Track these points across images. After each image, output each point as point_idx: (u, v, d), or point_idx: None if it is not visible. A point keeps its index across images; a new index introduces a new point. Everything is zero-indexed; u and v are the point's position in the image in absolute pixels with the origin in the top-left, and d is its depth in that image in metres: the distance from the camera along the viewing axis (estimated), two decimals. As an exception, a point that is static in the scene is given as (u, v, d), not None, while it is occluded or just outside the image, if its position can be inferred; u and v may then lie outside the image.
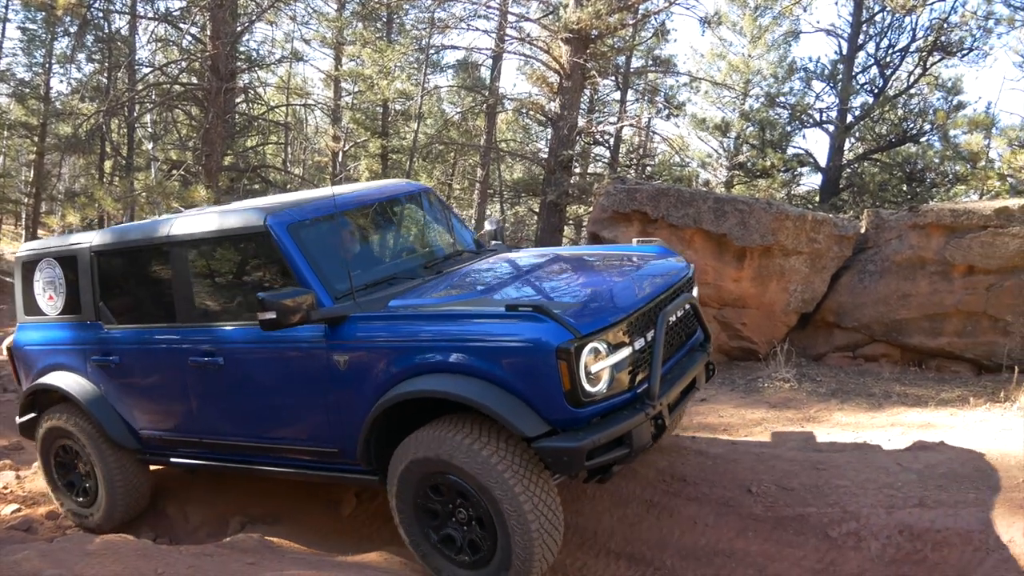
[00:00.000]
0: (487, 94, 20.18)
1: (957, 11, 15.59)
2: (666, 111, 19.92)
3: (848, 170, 17.62)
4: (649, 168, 22.73)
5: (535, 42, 17.37)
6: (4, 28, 23.34)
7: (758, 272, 8.76)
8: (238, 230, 4.35)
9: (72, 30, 20.40)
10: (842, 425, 6.27)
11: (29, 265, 5.42)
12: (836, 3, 28.74)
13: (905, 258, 8.39)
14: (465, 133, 22.30)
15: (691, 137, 21.27)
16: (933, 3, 15.53)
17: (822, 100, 17.96)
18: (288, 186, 19.76)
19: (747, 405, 7.18)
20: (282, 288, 4.01)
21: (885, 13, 16.13)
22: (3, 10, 22.41)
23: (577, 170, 19.25)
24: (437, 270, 4.60)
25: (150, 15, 17.51)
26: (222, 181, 16.04)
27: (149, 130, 20.45)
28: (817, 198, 17.73)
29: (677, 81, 21.64)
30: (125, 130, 20.48)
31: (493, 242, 5.54)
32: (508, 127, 25.54)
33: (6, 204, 28.45)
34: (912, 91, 16.71)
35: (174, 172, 16.20)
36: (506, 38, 18.14)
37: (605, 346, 3.47)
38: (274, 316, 3.67)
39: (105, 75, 20.98)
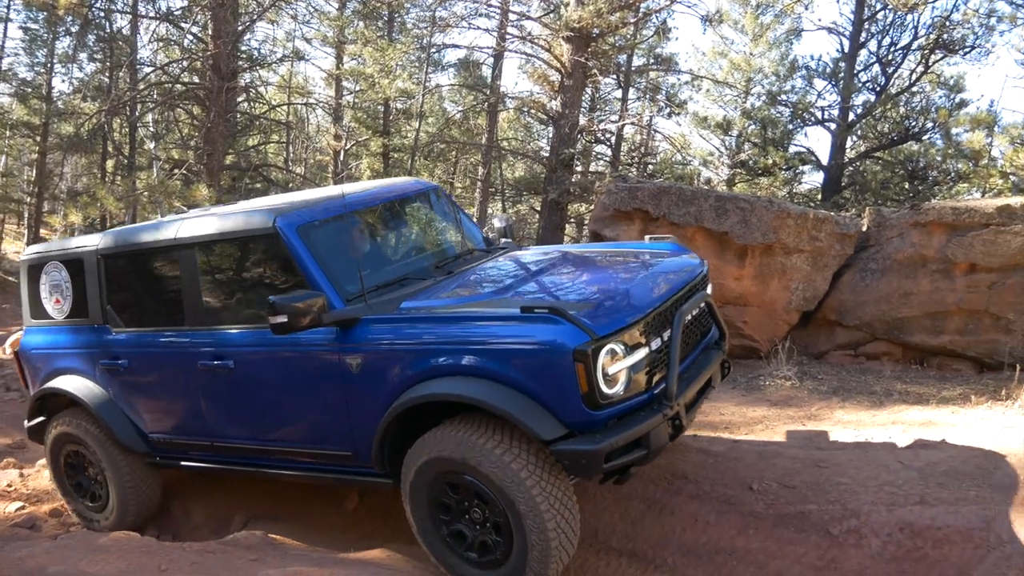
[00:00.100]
0: (488, 92, 20.18)
1: (959, 9, 15.60)
2: (667, 109, 19.93)
3: (850, 168, 17.61)
4: (651, 166, 22.74)
5: (536, 40, 17.36)
6: (6, 28, 23.40)
7: (759, 270, 8.76)
8: (247, 232, 4.29)
9: (74, 30, 20.42)
10: (843, 423, 6.27)
11: (35, 269, 5.38)
12: (838, 1, 28.74)
13: (907, 256, 8.39)
14: (467, 132, 22.31)
15: (693, 135, 21.27)
16: (935, 1, 15.55)
17: (824, 98, 17.98)
18: (290, 185, 19.78)
19: (748, 403, 7.18)
20: (292, 290, 3.97)
21: (887, 11, 16.13)
22: (5, 10, 22.43)
23: (579, 168, 19.26)
24: (448, 270, 4.54)
25: (151, 14, 17.52)
26: (224, 180, 16.06)
27: (151, 129, 20.49)
28: (819, 196, 17.73)
29: (679, 79, 21.64)
30: (127, 129, 20.53)
31: (503, 240, 5.48)
32: (509, 125, 25.54)
33: (8, 204, 28.47)
34: (914, 89, 16.70)
35: (176, 171, 16.21)
36: (507, 36, 18.13)
37: (622, 347, 3.44)
38: (285, 320, 3.63)
39: (107, 74, 21.01)
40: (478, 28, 16.47)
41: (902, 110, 16.72)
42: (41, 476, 6.22)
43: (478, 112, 21.60)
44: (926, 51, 16.01)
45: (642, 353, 3.55)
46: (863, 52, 16.87)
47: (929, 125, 16.11)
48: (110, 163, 22.66)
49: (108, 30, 20.66)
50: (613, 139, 21.22)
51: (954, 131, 15.16)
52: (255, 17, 17.09)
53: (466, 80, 21.50)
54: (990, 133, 14.57)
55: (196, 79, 16.87)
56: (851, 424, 6.23)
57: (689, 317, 3.97)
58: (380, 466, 3.99)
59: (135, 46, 18.73)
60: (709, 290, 4.55)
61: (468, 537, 3.76)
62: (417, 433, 3.80)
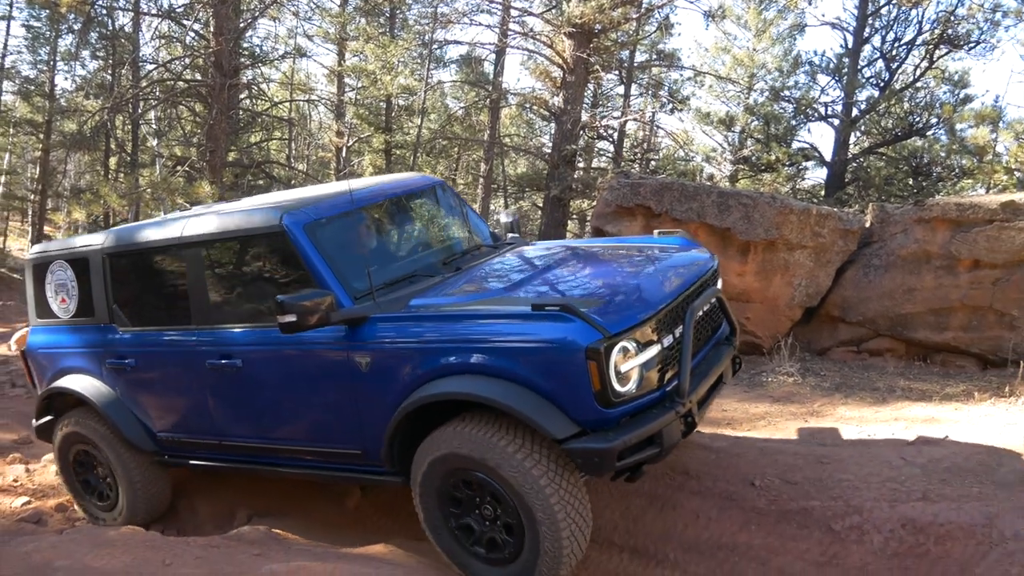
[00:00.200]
0: (490, 89, 20.18)
1: (964, 4, 15.58)
2: (670, 105, 19.92)
3: (853, 164, 17.59)
4: (653, 163, 22.74)
5: (538, 37, 17.36)
6: (9, 26, 23.51)
7: (762, 266, 8.76)
8: (253, 230, 4.25)
9: (76, 27, 20.43)
10: (846, 419, 6.27)
11: (40, 268, 5.34)
12: (841, -4, 28.60)
13: (910, 252, 8.38)
14: (469, 128, 22.31)
15: (695, 131, 21.30)
16: (939, -4, 15.51)
17: (827, 94, 17.94)
18: (292, 182, 19.80)
19: (750, 399, 7.19)
20: (300, 289, 3.93)
21: (891, 6, 16.11)
22: (7, 8, 22.47)
23: (581, 165, 19.24)
24: (456, 266, 4.50)
25: (153, 12, 17.54)
26: (226, 177, 16.04)
27: (153, 126, 20.50)
28: (822, 192, 17.72)
29: (681, 75, 21.63)
30: (130, 127, 20.59)
31: (509, 235, 5.42)
32: (512, 122, 25.54)
33: (12, 201, 28.60)
34: (918, 84, 16.68)
35: (179, 168, 16.25)
36: (509, 33, 18.14)
37: (634, 345, 3.41)
38: (294, 319, 3.61)
39: (109, 72, 21.06)
40: (480, 24, 16.44)
41: (906, 106, 16.69)
42: (47, 471, 6.24)
43: (480, 108, 21.60)
44: (930, 46, 15.98)
45: (654, 350, 3.52)
46: (867, 47, 16.84)
47: (933, 121, 16.08)
48: (113, 160, 22.71)
49: (110, 27, 20.70)
50: (615, 135, 21.22)
51: (958, 127, 15.14)
52: (257, 14, 17.09)
53: (468, 76, 21.52)
54: (995, 129, 14.55)
55: (198, 76, 16.90)
56: (854, 420, 6.23)
57: (700, 313, 3.94)
58: (390, 464, 3.97)
59: (137, 43, 18.76)
60: (719, 285, 4.51)
61: (477, 532, 3.74)
62: (426, 430, 3.78)
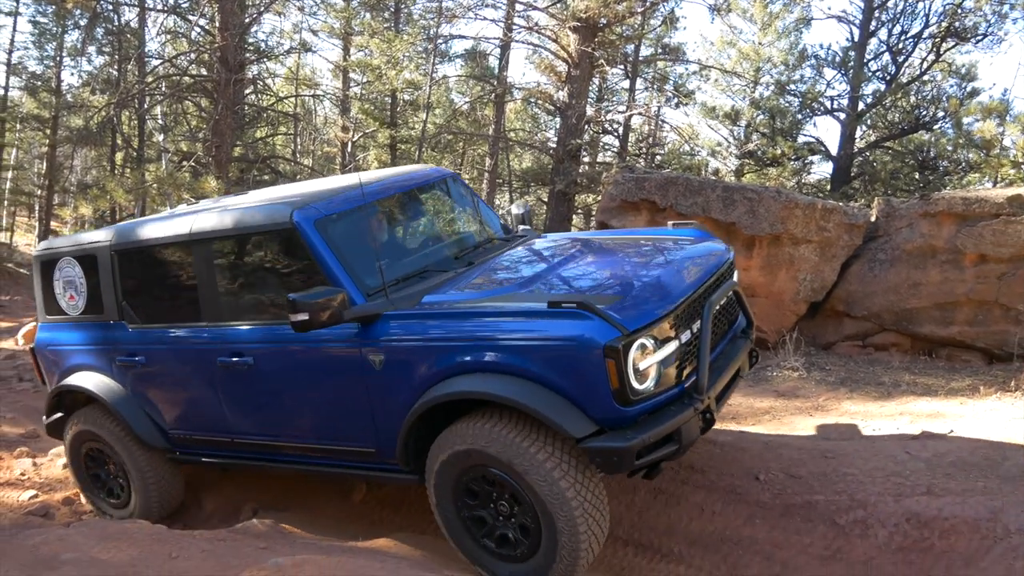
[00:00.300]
0: (495, 83, 20.16)
1: (971, -4, 15.48)
2: (675, 100, 19.91)
3: (860, 158, 17.53)
4: (659, 157, 22.69)
5: (543, 31, 17.34)
6: (15, 22, 23.51)
7: (767, 261, 8.75)
8: (264, 226, 4.18)
9: (82, 23, 20.50)
10: (851, 414, 6.27)
11: (48, 265, 5.29)
12: (847, -10, 28.43)
13: (916, 247, 8.36)
14: (474, 123, 22.31)
15: (701, 126, 21.23)
16: (946, -12, 15.43)
17: (833, 88, 17.88)
18: (298, 177, 19.82)
19: (755, 394, 7.19)
20: (311, 286, 3.89)
21: (897, -1, 16.03)
22: (14, 4, 22.51)
23: (586, 159, 19.24)
24: (469, 260, 4.42)
25: (159, 7, 17.56)
26: (232, 172, 16.10)
27: (159, 122, 20.57)
28: (828, 187, 17.67)
29: (687, 69, 21.60)
30: (136, 122, 20.64)
31: (521, 227, 5.33)
32: (517, 116, 25.55)
33: (19, 197, 28.71)
34: (925, 78, 16.59)
35: (185, 163, 16.30)
36: (514, 27, 18.12)
37: (652, 342, 3.35)
38: (306, 317, 3.57)
39: (115, 67, 21.08)
40: (484, 19, 16.41)
41: (912, 99, 16.61)
42: (54, 465, 6.28)
43: (485, 103, 21.59)
44: (937, 39, 15.89)
45: (672, 347, 3.47)
46: (873, 41, 16.77)
47: (940, 114, 16.00)
48: (119, 156, 22.78)
49: (116, 23, 20.72)
50: (620, 129, 21.20)
51: (965, 120, 15.04)
52: (262, 9, 17.11)
53: (473, 71, 21.49)
54: (1002, 122, 14.47)
55: (204, 71, 16.91)
56: (859, 415, 6.23)
57: (717, 307, 3.89)
58: (404, 463, 3.93)
59: (143, 39, 18.80)
60: (736, 278, 4.45)
61: (492, 527, 3.72)
62: (438, 425, 3.75)
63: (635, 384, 3.28)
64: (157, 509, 5.25)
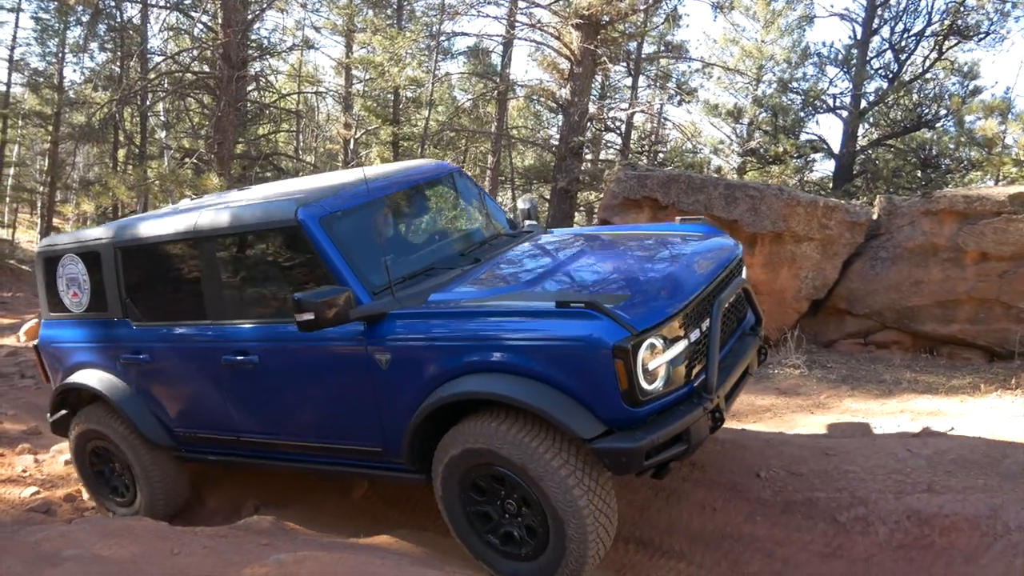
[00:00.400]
0: (498, 81, 20.16)
1: (973, -6, 15.46)
2: (678, 97, 19.90)
3: (862, 156, 17.53)
4: (661, 155, 22.68)
5: (546, 28, 17.34)
6: (18, 18, 23.51)
7: (769, 259, 8.75)
8: (268, 224, 4.12)
9: (84, 19, 20.53)
10: (852, 411, 6.28)
11: (51, 261, 5.23)
12: (850, -13, 28.44)
13: (917, 245, 8.36)
14: (476, 120, 22.30)
15: (703, 123, 21.24)
16: (949, -14, 15.40)
17: (836, 85, 17.88)
18: (300, 174, 19.82)
19: (756, 391, 7.19)
20: (316, 284, 3.86)
21: (900, -3, 16.02)
22: (16, 0, 22.52)
23: (588, 157, 19.24)
24: (475, 257, 4.37)
25: (161, 3, 17.57)
26: (234, 169, 16.12)
27: (162, 118, 20.56)
28: (830, 185, 17.66)
29: (689, 67, 21.59)
30: (138, 119, 20.61)
31: (527, 222, 5.25)
32: (519, 114, 25.54)
33: (21, 193, 28.74)
34: (927, 76, 16.59)
35: (187, 160, 16.30)
36: (516, 24, 18.11)
37: (662, 341, 3.32)
38: (311, 317, 3.52)
39: (118, 64, 21.12)
40: (487, 16, 16.41)
41: (915, 97, 16.62)
42: (56, 462, 6.28)
43: (488, 100, 21.59)
44: (940, 37, 15.89)
45: (681, 346, 3.43)
46: (876, 39, 16.77)
47: (942, 112, 16.01)
48: (122, 152, 22.79)
49: (118, 19, 20.74)
50: (623, 127, 21.20)
51: (967, 118, 15.04)
52: (265, 5, 17.12)
53: (476, 68, 21.47)
54: (1004, 120, 14.46)
55: (206, 68, 16.92)
56: (860, 413, 6.24)
57: (727, 305, 3.84)
58: (411, 462, 3.90)
59: (145, 35, 18.81)
60: (745, 274, 4.41)
61: (497, 523, 3.70)
62: (445, 424, 3.72)
63: (644, 384, 3.24)
64: (163, 507, 5.22)
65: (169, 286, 4.78)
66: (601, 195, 12.99)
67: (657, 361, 3.29)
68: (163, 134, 20.80)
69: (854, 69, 16.58)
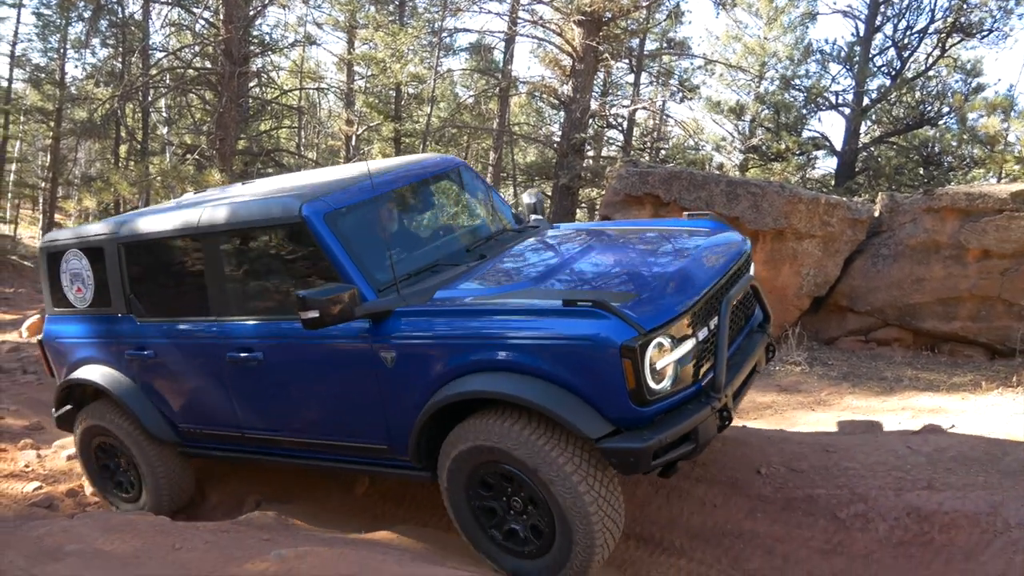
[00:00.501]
0: (500, 77, 20.15)
1: (976, -9, 15.44)
2: (680, 94, 19.84)
3: (864, 153, 17.52)
4: (663, 151, 22.68)
5: (548, 24, 17.31)
6: (19, 14, 23.50)
7: (770, 256, 8.75)
8: (272, 220, 4.08)
9: (86, 15, 20.50)
10: (853, 408, 6.28)
11: (54, 257, 5.21)
12: (853, -16, 28.37)
13: (919, 242, 8.36)
14: (478, 116, 22.29)
15: (705, 120, 21.21)
16: (952, -17, 15.38)
17: (838, 83, 17.89)
18: (302, 170, 19.81)
19: (758, 388, 7.19)
20: (321, 280, 3.85)
21: (903, -6, 16.00)
22: (19, -5, 22.52)
23: (590, 153, 19.23)
24: (481, 253, 4.33)
25: (163, 0, 17.57)
26: (236, 165, 16.12)
27: (164, 114, 20.58)
28: (832, 182, 17.65)
29: (692, 64, 21.59)
30: (140, 115, 20.64)
31: (533, 217, 5.19)
32: (521, 110, 25.53)
33: (23, 189, 28.76)
34: (930, 73, 16.59)
35: (188, 156, 16.32)
36: (519, 20, 18.08)
37: (670, 340, 3.28)
38: (316, 315, 3.48)
39: (119, 60, 21.10)
40: (489, 12, 16.36)
41: (917, 95, 16.61)
42: (58, 457, 6.30)
43: (490, 97, 21.58)
44: (943, 35, 15.88)
45: (690, 345, 3.39)
46: (878, 36, 16.76)
47: (945, 110, 16.00)
48: (123, 148, 22.78)
49: (120, 15, 20.73)
50: (625, 124, 21.18)
51: (970, 116, 15.03)
52: (266, 2, 17.09)
53: (478, 65, 21.46)
54: (1006, 118, 14.45)
55: (208, 64, 16.94)
56: (860, 410, 6.24)
57: (735, 301, 3.80)
58: (417, 459, 3.87)
59: (147, 31, 18.80)
60: (752, 270, 4.36)
61: (502, 519, 3.69)
62: (451, 420, 3.70)
63: (652, 384, 3.21)
64: (168, 503, 5.23)
65: (173, 282, 4.76)
66: (603, 192, 12.99)
67: (665, 360, 3.26)
68: (165, 130, 20.81)
69: (857, 66, 16.57)
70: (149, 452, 5.09)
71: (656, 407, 3.27)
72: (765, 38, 20.51)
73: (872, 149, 17.69)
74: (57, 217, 25.70)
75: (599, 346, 3.19)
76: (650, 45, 21.72)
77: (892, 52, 16.78)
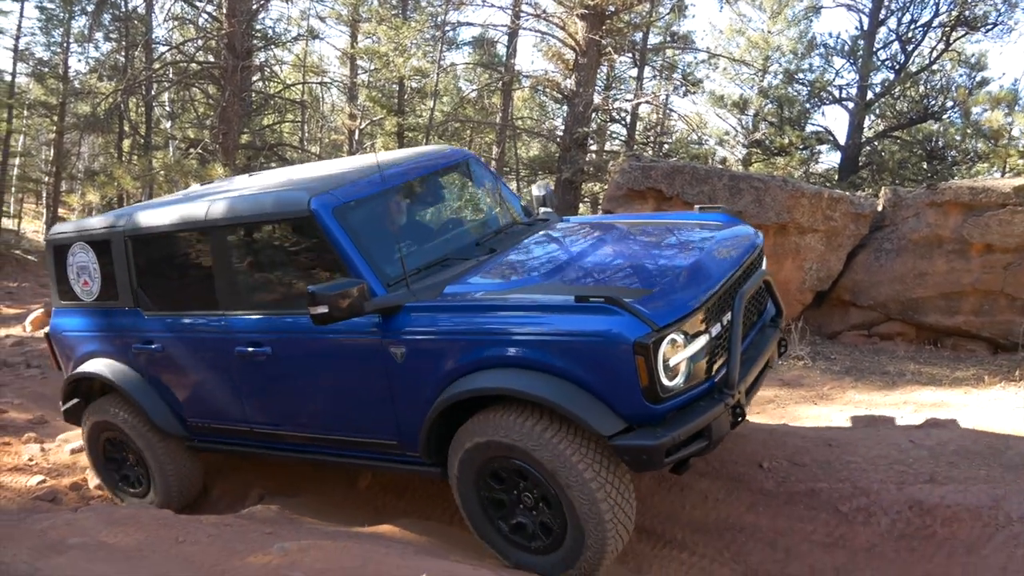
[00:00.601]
0: (503, 71, 20.11)
1: (981, -16, 15.38)
2: (683, 88, 19.81)
3: (867, 148, 17.48)
4: (666, 146, 22.63)
5: (551, 18, 17.27)
6: (23, 7, 23.53)
7: (773, 250, 8.73)
8: (280, 214, 4.05)
9: (89, 9, 20.51)
10: (855, 403, 6.28)
11: (60, 250, 5.18)
12: (857, -22, 28.27)
13: (922, 236, 8.35)
14: (481, 111, 22.28)
15: (709, 114, 21.21)
16: (957, -24, 15.33)
17: (842, 77, 17.85)
18: (308, 162, 19.78)
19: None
20: (329, 275, 3.84)
21: (907, -13, 15.94)
22: (22, -11, 22.52)
23: (593, 148, 19.19)
24: (490, 247, 4.28)
25: (166, -7, 17.55)
26: (239, 159, 16.12)
27: (167, 109, 20.58)
28: (836, 176, 17.62)
29: (695, 58, 21.56)
30: (143, 109, 20.65)
31: (542, 209, 5.12)
32: (524, 104, 25.47)
33: (27, 183, 28.79)
34: (934, 67, 16.53)
35: (192, 151, 16.32)
36: (522, 14, 18.03)
37: (683, 337, 3.25)
38: (326, 310, 3.46)
39: (122, 54, 21.09)
40: (492, 5, 16.24)
41: (921, 89, 16.56)
42: (62, 451, 6.32)
43: (493, 91, 21.53)
44: (947, 28, 15.82)
45: (703, 341, 3.36)
46: (882, 29, 16.71)
47: (949, 104, 15.95)
48: (127, 143, 22.77)
49: (123, 9, 20.73)
50: (628, 118, 21.14)
51: (974, 110, 14.98)
52: (269, -4, 17.07)
53: (481, 59, 21.43)
54: (1010, 112, 14.41)
55: (211, 58, 16.92)
56: (863, 404, 6.24)
57: (748, 296, 3.76)
58: (427, 455, 3.85)
59: (150, 25, 18.81)
60: (765, 265, 4.33)
61: (510, 513, 3.68)
62: (462, 416, 3.68)
63: (665, 381, 3.19)
64: (177, 497, 5.21)
65: (180, 275, 4.73)
66: (605, 186, 12.97)
67: (678, 357, 3.23)
68: (168, 124, 20.81)
69: (860, 60, 16.52)
70: (157, 447, 5.07)
71: (669, 404, 3.24)
72: (769, 32, 20.46)
73: (876, 143, 17.64)
74: (61, 212, 25.71)
75: (612, 343, 3.16)
76: (653, 39, 21.64)
77: (896, 46, 16.73)
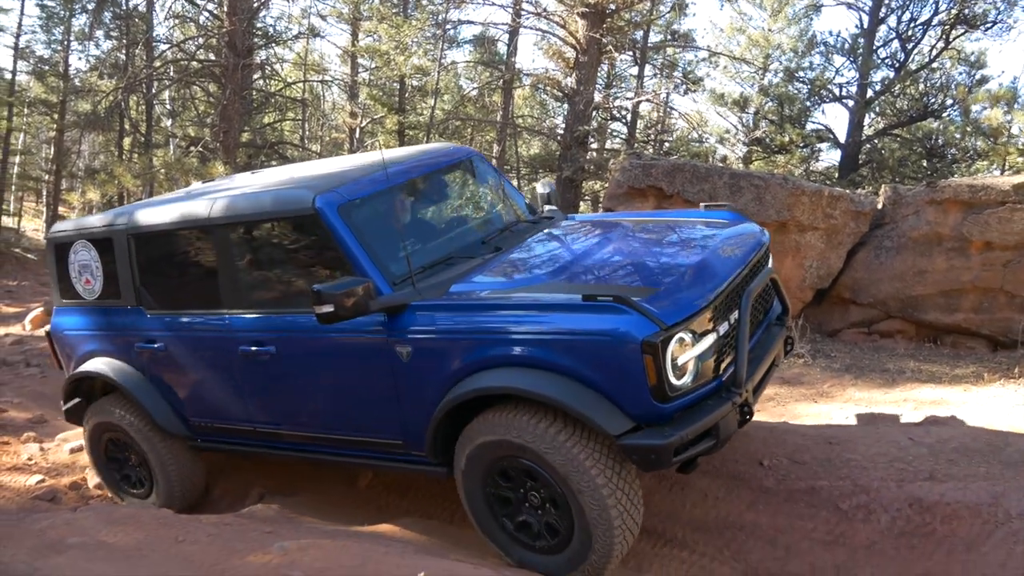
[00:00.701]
0: (504, 69, 20.10)
1: (982, -17, 15.37)
2: (684, 86, 19.80)
3: (868, 146, 17.48)
4: (666, 144, 22.62)
5: (551, 16, 17.25)
6: (23, 5, 23.58)
7: (773, 248, 8.57)
8: (284, 212, 4.02)
9: (90, 7, 20.50)
10: (855, 400, 6.28)
11: (62, 248, 5.13)
12: (858, -25, 28.23)
13: (922, 234, 8.35)
14: (482, 109, 22.27)
15: (709, 113, 21.18)
16: (957, -25, 15.32)
17: (842, 75, 17.90)
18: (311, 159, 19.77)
19: (761, 381, 7.19)
20: (334, 273, 3.82)
21: (907, -15, 15.93)
22: (22, -13, 22.50)
23: (594, 146, 19.19)
24: (496, 246, 4.26)
25: (167, -8, 17.54)
26: (240, 158, 16.12)
27: (167, 107, 20.58)
28: (836, 174, 17.62)
29: (696, 56, 21.55)
30: (144, 107, 20.65)
31: (547, 207, 5.10)
32: (525, 103, 25.45)
33: (27, 182, 28.80)
34: (934, 65, 16.52)
35: (192, 149, 16.32)
36: (522, 13, 18.01)
37: (691, 335, 3.24)
38: (331, 309, 3.44)
39: (123, 52, 21.08)
40: (493, 4, 16.20)
41: (921, 87, 16.56)
42: (61, 450, 6.32)
43: (493, 89, 21.52)
44: (947, 26, 15.81)
45: (710, 340, 3.35)
46: (882, 28, 16.71)
47: (948, 102, 15.94)
48: (127, 141, 22.77)
49: (124, 7, 20.73)
50: (628, 116, 21.15)
51: (973, 108, 14.98)
52: (270, -6, 17.07)
53: (481, 57, 21.42)
54: (1010, 110, 14.41)
55: (212, 56, 16.91)
56: (863, 402, 6.24)
57: (755, 295, 3.75)
58: (433, 455, 3.83)
59: (151, 23, 18.81)
60: (771, 263, 4.32)
61: (516, 510, 3.66)
62: (467, 415, 3.66)
63: (673, 380, 3.18)
64: (179, 498, 5.18)
65: (182, 274, 4.70)
66: (606, 184, 12.97)
67: (686, 356, 3.22)
68: (169, 122, 20.82)
69: (860, 58, 16.52)
70: (160, 446, 5.04)
71: (677, 403, 3.23)
72: (769, 30, 20.45)
73: (876, 141, 17.64)
74: (61, 210, 25.73)
75: (619, 342, 3.15)
76: (654, 37, 21.63)
77: (896, 44, 16.72)
